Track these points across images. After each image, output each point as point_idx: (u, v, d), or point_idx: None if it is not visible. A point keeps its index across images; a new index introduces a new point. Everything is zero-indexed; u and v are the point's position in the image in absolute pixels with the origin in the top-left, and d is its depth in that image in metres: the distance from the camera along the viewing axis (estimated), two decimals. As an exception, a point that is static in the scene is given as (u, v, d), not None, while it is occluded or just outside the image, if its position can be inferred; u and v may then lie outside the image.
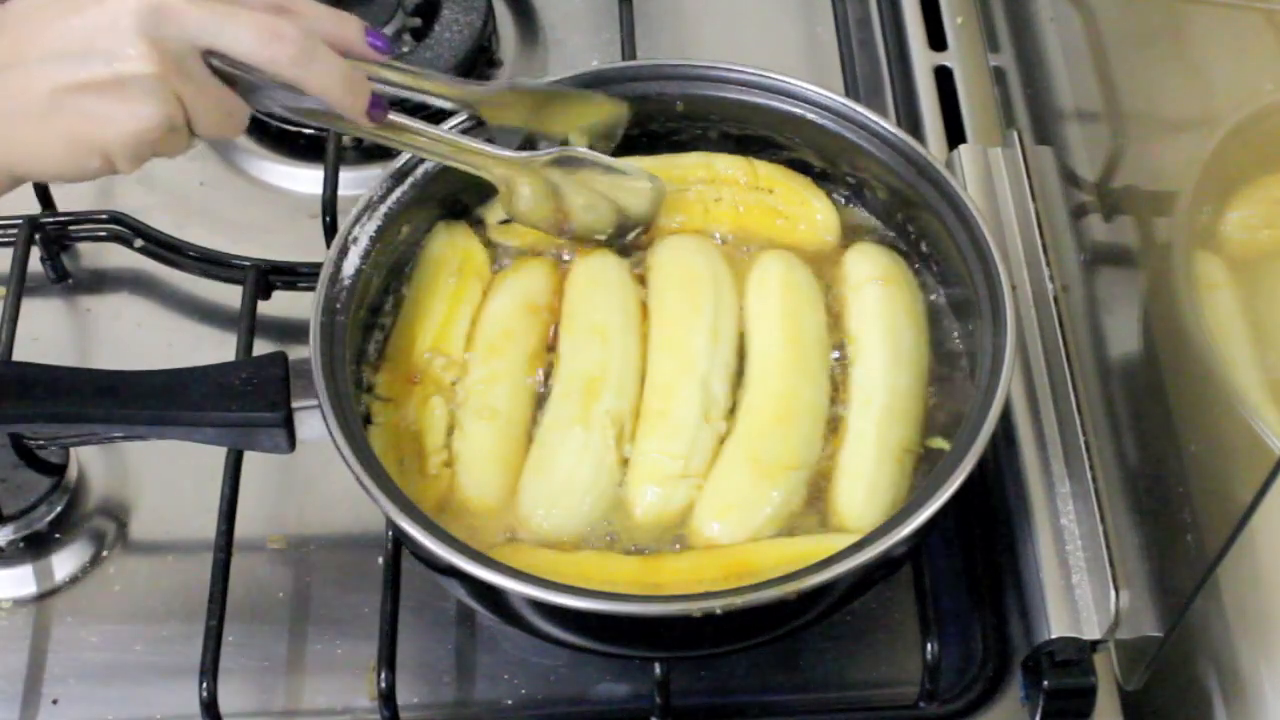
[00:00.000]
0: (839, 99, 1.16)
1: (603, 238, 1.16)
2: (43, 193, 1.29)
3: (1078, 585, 1.08)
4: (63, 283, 1.30)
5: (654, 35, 1.42)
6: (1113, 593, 1.06)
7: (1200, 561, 0.97)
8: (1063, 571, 1.08)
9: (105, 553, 1.17)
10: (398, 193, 1.13)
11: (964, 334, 1.12)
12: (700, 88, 1.18)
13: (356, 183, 1.26)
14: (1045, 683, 1.06)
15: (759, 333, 1.13)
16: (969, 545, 1.15)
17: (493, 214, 1.18)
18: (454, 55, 1.37)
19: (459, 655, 1.12)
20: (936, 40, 1.38)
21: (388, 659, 1.05)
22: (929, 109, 1.34)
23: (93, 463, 1.20)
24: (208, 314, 1.28)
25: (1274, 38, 0.99)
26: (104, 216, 1.28)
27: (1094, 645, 1.07)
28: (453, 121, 1.13)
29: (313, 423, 1.03)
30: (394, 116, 1.05)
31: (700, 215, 1.18)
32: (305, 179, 1.34)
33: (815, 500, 1.06)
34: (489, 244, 1.18)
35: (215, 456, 1.12)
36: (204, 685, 1.04)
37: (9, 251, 1.25)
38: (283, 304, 1.25)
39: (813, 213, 1.18)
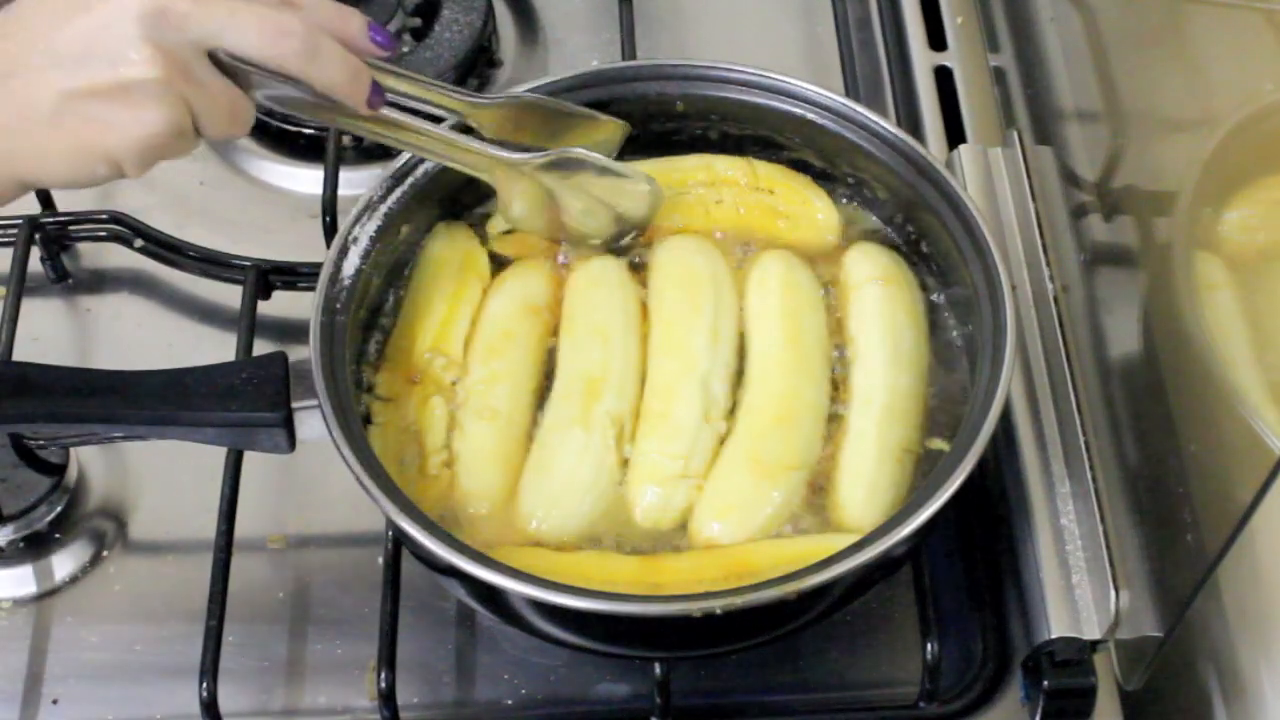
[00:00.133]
0: (839, 99, 1.16)
1: (597, 242, 1.16)
2: (43, 193, 1.29)
3: (1078, 585, 1.08)
4: (63, 283, 1.30)
5: (654, 35, 1.42)
6: (1113, 593, 1.06)
7: (1200, 561, 0.97)
8: (1063, 571, 1.08)
9: (105, 553, 1.17)
10: (398, 193, 1.14)
11: (964, 334, 1.12)
12: (700, 88, 1.18)
13: (356, 183, 1.26)
14: (1045, 683, 1.06)
15: (759, 333, 1.13)
16: (969, 545, 1.15)
17: (494, 224, 1.18)
18: (454, 55, 1.37)
19: (459, 655, 1.12)
20: (936, 40, 1.38)
21: (388, 659, 1.05)
22: (929, 109, 1.34)
23: (93, 463, 1.20)
24: (208, 314, 1.28)
25: (1274, 38, 0.99)
26: (104, 216, 1.28)
27: (1094, 645, 1.07)
28: (450, 122, 1.13)
29: (313, 423, 1.03)
30: (393, 114, 1.05)
31: (701, 217, 1.18)
32: (305, 179, 1.34)
33: (815, 500, 1.06)
34: (490, 249, 1.18)
35: (215, 456, 1.12)
36: (204, 685, 1.04)
37: (9, 251, 1.25)
38: (283, 304, 1.25)
39: (814, 213, 1.18)
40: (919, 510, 0.98)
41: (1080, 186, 1.22)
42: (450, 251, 1.16)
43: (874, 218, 1.19)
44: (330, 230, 1.24)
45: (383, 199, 1.13)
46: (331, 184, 1.26)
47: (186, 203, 1.32)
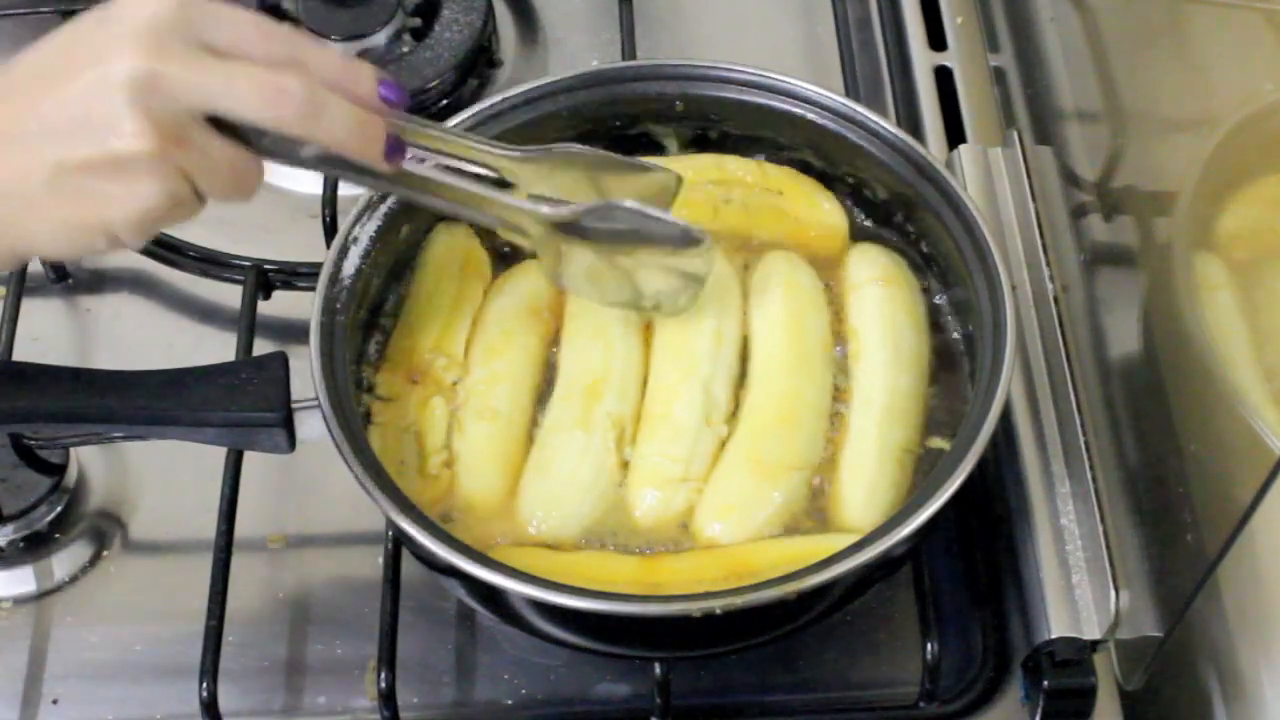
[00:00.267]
0: (839, 99, 1.16)
1: (649, 304, 1.10)
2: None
3: (1078, 585, 1.08)
4: (63, 283, 1.30)
5: (654, 35, 1.42)
6: (1113, 593, 1.06)
7: (1200, 561, 0.97)
8: (1063, 571, 1.08)
9: (105, 553, 1.17)
10: (398, 193, 1.13)
11: (964, 334, 1.12)
12: (700, 88, 1.18)
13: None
14: (1045, 683, 1.06)
15: (762, 333, 1.13)
16: (969, 545, 1.15)
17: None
18: (454, 55, 1.37)
19: (459, 655, 1.12)
20: (936, 40, 1.38)
21: (388, 659, 1.05)
22: (929, 109, 1.34)
23: (93, 463, 1.20)
24: (208, 314, 1.28)
25: (1274, 38, 0.99)
26: (104, 216, 1.28)
27: (1094, 645, 1.07)
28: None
29: (313, 423, 1.03)
30: (421, 169, 1.00)
31: (709, 216, 1.17)
32: (305, 179, 1.33)
33: (816, 500, 1.06)
34: (491, 246, 1.18)
35: (215, 456, 1.12)
36: (204, 685, 1.04)
37: (9, 251, 1.25)
38: (283, 304, 1.25)
39: (822, 215, 1.18)
40: (919, 510, 0.98)
41: (1080, 186, 1.22)
42: (451, 251, 1.16)
43: (874, 218, 1.18)
44: (330, 230, 1.24)
45: (383, 199, 1.13)
46: (331, 184, 1.26)
47: (186, 203, 1.32)
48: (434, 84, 1.35)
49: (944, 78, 1.36)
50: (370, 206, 1.12)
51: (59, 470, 1.17)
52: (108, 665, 1.13)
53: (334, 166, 0.98)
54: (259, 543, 1.16)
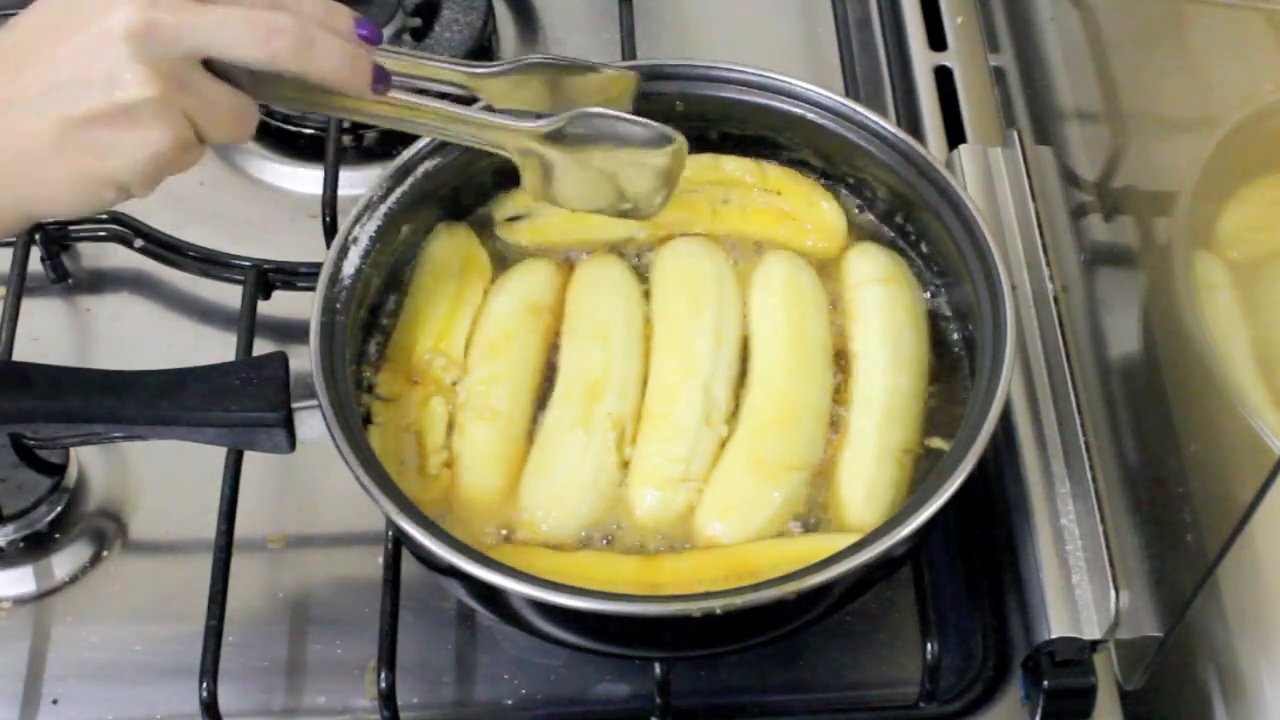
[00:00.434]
0: (839, 99, 1.16)
1: (629, 205, 1.11)
2: (43, 193, 1.29)
3: (1078, 585, 1.08)
4: (63, 283, 1.30)
5: (654, 35, 1.42)
6: (1113, 593, 1.06)
7: (1200, 561, 0.97)
8: (1063, 571, 1.08)
9: (105, 553, 1.17)
10: (398, 193, 1.13)
11: (964, 334, 1.12)
12: (700, 88, 1.18)
13: (356, 183, 1.26)
14: (1045, 683, 1.06)
15: (762, 333, 1.13)
16: (969, 545, 1.15)
17: (500, 210, 1.18)
18: (454, 55, 1.37)
19: (459, 655, 1.12)
20: (936, 40, 1.38)
21: (388, 659, 1.05)
22: (929, 109, 1.34)
23: (93, 463, 1.20)
24: (208, 314, 1.28)
25: (1274, 38, 0.99)
26: (104, 216, 1.28)
27: (1094, 645, 1.07)
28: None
29: (313, 423, 1.03)
30: (402, 95, 1.03)
31: (708, 216, 1.17)
32: (305, 179, 1.34)
33: (816, 500, 1.06)
34: (491, 246, 1.18)
35: (215, 456, 1.12)
36: (204, 685, 1.04)
37: (9, 251, 1.25)
38: (283, 304, 1.25)
39: (821, 215, 1.18)
40: (919, 510, 0.98)
41: (1080, 186, 1.22)
42: (451, 252, 1.16)
43: (874, 218, 1.18)
44: (330, 230, 1.24)
45: (383, 199, 1.13)
46: (331, 184, 1.26)
47: (186, 203, 1.32)
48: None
49: (944, 78, 1.36)
50: (370, 206, 1.12)
51: (59, 470, 1.17)
52: (108, 665, 1.13)
53: (318, 103, 1.00)
54: (259, 543, 1.16)
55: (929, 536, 1.08)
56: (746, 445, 1.07)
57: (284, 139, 1.35)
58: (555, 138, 1.06)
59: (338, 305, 1.08)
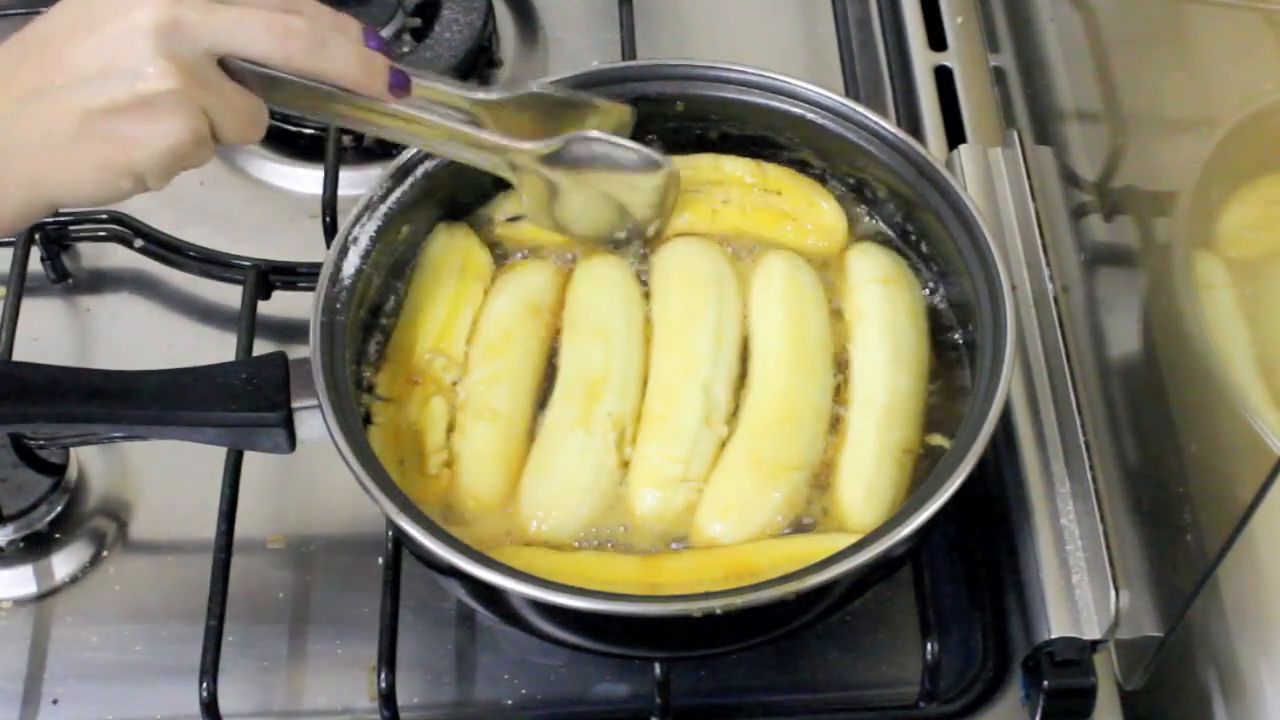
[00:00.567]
0: (839, 99, 1.16)
1: (622, 235, 1.15)
2: (43, 193, 1.29)
3: (1078, 585, 1.08)
4: (63, 283, 1.30)
5: (654, 35, 1.42)
6: (1113, 593, 1.06)
7: (1200, 561, 0.97)
8: (1063, 571, 1.08)
9: (105, 553, 1.17)
10: (398, 193, 1.13)
11: (964, 334, 1.12)
12: (700, 88, 1.18)
13: (356, 183, 1.26)
14: (1045, 683, 1.06)
15: (763, 332, 1.13)
16: (969, 545, 1.15)
17: (499, 211, 1.18)
18: (454, 55, 1.37)
19: (459, 655, 1.12)
20: (936, 40, 1.38)
21: (388, 659, 1.05)
22: (929, 109, 1.34)
23: (93, 463, 1.20)
24: (208, 314, 1.28)
25: (1274, 38, 0.99)
26: (104, 216, 1.28)
27: (1094, 645, 1.07)
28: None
29: (313, 423, 1.03)
30: (406, 108, 1.04)
31: (708, 216, 1.18)
32: (305, 179, 1.34)
33: (816, 500, 1.06)
34: (491, 245, 1.18)
35: (215, 456, 1.12)
36: (204, 685, 1.04)
37: (9, 251, 1.25)
38: (283, 304, 1.25)
39: (821, 215, 1.18)
40: (919, 510, 0.98)
41: (1080, 186, 1.22)
42: (451, 252, 1.16)
43: (874, 218, 1.18)
44: (330, 230, 1.24)
45: (383, 199, 1.13)
46: (331, 184, 1.26)
47: (186, 203, 1.32)
48: (434, 84, 1.35)
49: (944, 78, 1.36)
50: (370, 206, 1.12)
51: (59, 470, 1.17)
52: (108, 665, 1.13)
53: (329, 110, 1.01)
54: (259, 543, 1.16)
55: (929, 536, 1.08)
56: (747, 445, 1.07)
57: (284, 139, 1.35)
58: (554, 160, 1.09)
59: (338, 305, 1.08)
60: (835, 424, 1.09)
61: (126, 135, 0.93)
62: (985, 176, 1.26)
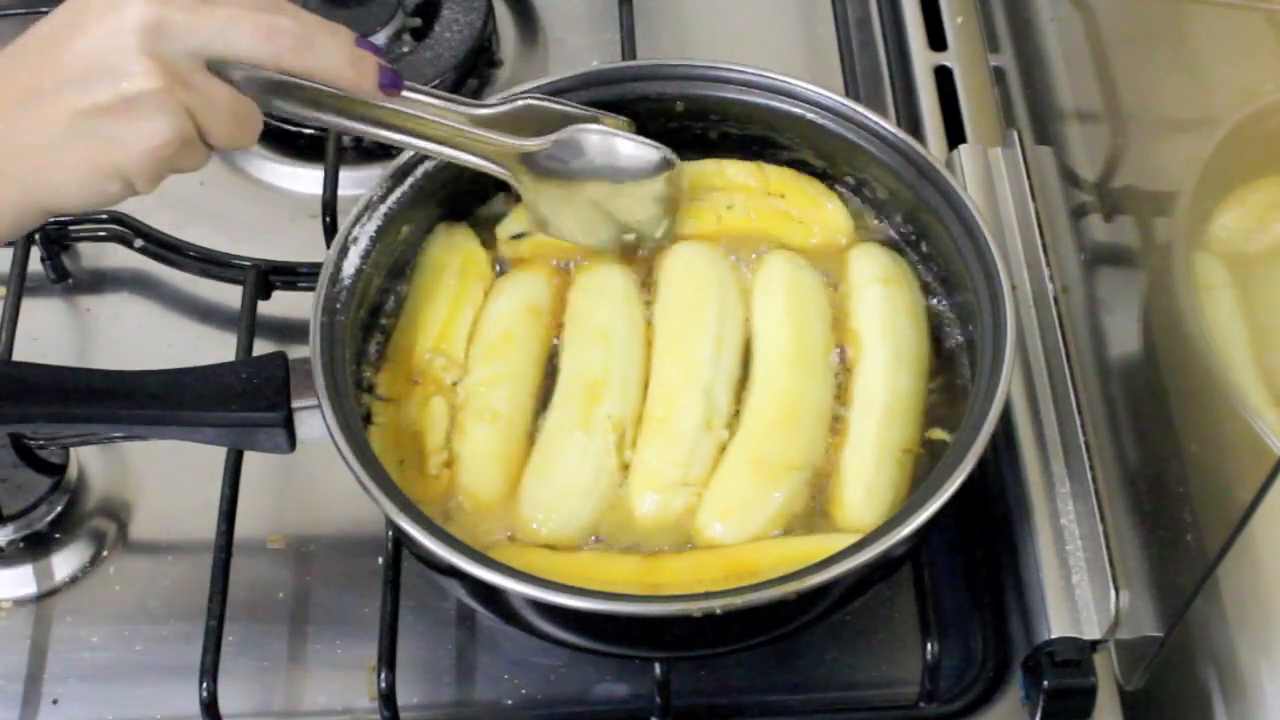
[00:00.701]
0: (839, 99, 1.16)
1: (630, 238, 1.15)
2: (43, 193, 1.29)
3: (1078, 585, 1.08)
4: (63, 283, 1.30)
5: (654, 35, 1.42)
6: (1113, 593, 1.06)
7: (1200, 561, 0.97)
8: (1063, 571, 1.08)
9: (105, 553, 1.17)
10: (398, 193, 1.13)
11: (964, 334, 1.12)
12: (700, 88, 1.18)
13: (356, 183, 1.26)
14: (1045, 683, 1.06)
15: (765, 332, 1.12)
16: (969, 545, 1.16)
17: (504, 228, 1.18)
18: (454, 55, 1.37)
19: (459, 655, 1.12)
20: (936, 40, 1.38)
21: (388, 659, 1.05)
22: (929, 109, 1.34)
23: (93, 463, 1.20)
24: (208, 314, 1.28)
25: (1274, 38, 0.99)
26: (104, 216, 1.28)
27: (1094, 645, 1.07)
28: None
29: (313, 423, 1.03)
30: (403, 108, 1.04)
31: (713, 222, 1.17)
32: (305, 179, 1.34)
33: (816, 500, 1.06)
34: (491, 247, 1.18)
35: (215, 456, 1.12)
36: (204, 685, 1.04)
37: (9, 251, 1.25)
38: (283, 304, 1.25)
39: (826, 216, 1.17)
40: (919, 510, 0.98)
41: (1080, 186, 1.22)
42: (451, 252, 1.16)
43: (874, 218, 1.18)
44: (330, 230, 1.24)
45: (383, 199, 1.13)
46: (331, 184, 1.26)
47: (186, 203, 1.32)
48: (434, 84, 1.35)
49: (944, 78, 1.36)
50: (370, 206, 1.12)
51: (59, 470, 1.17)
52: (108, 665, 1.13)
53: (323, 114, 1.01)
54: (259, 543, 1.16)
55: (929, 536, 1.08)
56: (748, 445, 1.07)
57: (284, 139, 1.35)
58: (543, 165, 1.09)
59: (338, 305, 1.08)
60: (836, 424, 1.09)
61: (110, 135, 0.92)
62: (985, 176, 1.26)
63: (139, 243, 1.28)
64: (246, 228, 1.31)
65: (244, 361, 1.13)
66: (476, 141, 1.08)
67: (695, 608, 0.96)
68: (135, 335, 1.27)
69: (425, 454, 1.08)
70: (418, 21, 1.40)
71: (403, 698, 1.06)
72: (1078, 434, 1.12)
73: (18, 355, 1.19)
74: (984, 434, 1.00)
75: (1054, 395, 1.15)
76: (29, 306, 1.23)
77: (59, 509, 1.17)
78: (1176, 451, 1.03)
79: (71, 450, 1.18)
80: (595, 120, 1.12)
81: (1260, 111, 0.99)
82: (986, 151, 1.28)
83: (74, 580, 1.16)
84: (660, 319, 1.13)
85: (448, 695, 1.11)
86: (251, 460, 1.12)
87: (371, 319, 1.13)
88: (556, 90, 1.16)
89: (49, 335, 1.27)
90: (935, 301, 1.15)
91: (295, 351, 1.06)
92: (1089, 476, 1.11)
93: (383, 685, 1.05)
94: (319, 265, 1.10)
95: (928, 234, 1.15)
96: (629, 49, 1.35)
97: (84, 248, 1.31)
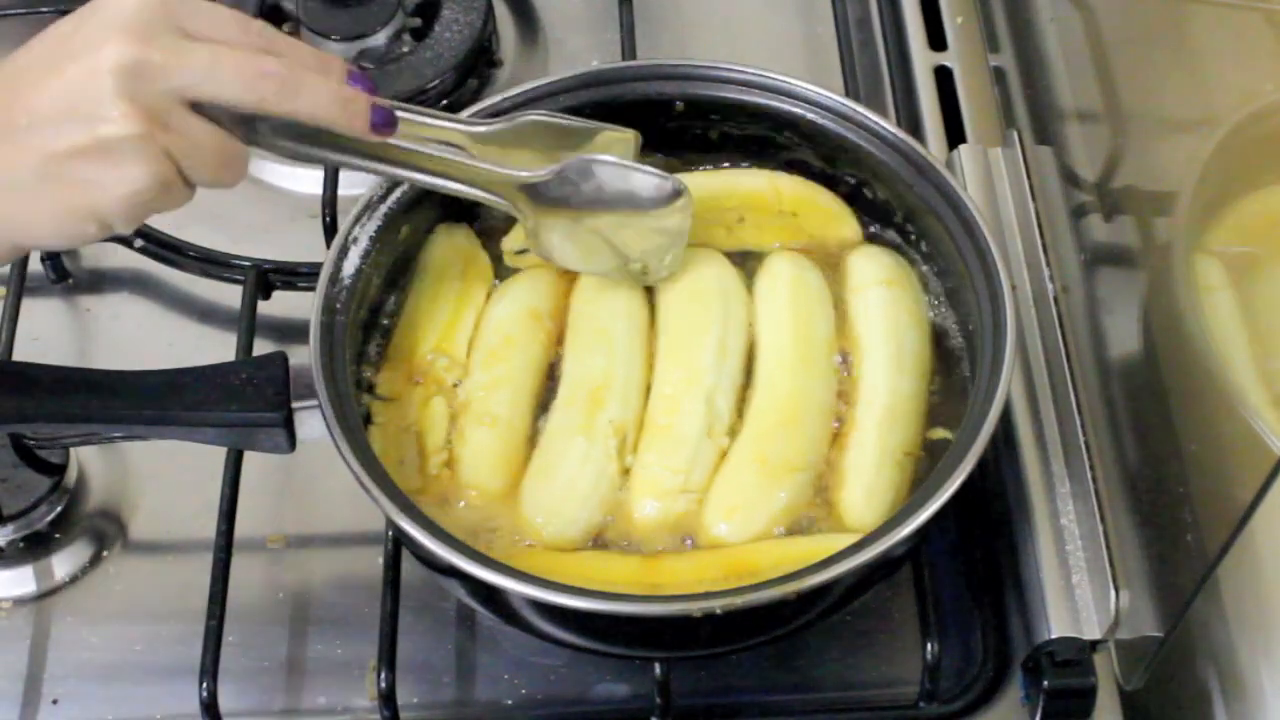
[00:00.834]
0: (839, 99, 1.16)
1: (636, 268, 1.13)
2: (43, 193, 1.29)
3: (1078, 585, 1.08)
4: (63, 283, 1.30)
5: (654, 35, 1.42)
6: (1113, 593, 1.06)
7: (1200, 561, 0.97)
8: (1063, 571, 1.08)
9: (105, 553, 1.17)
10: (398, 193, 1.13)
11: (964, 334, 1.12)
12: (700, 88, 1.18)
13: (356, 183, 1.25)
14: (1045, 683, 1.06)
15: (768, 333, 1.12)
16: (969, 545, 1.16)
17: (509, 242, 1.17)
18: (454, 55, 1.37)
19: (459, 655, 1.12)
20: (936, 40, 1.38)
21: (388, 659, 1.05)
22: (929, 109, 1.34)
23: (93, 463, 1.20)
24: (208, 314, 1.28)
25: (1274, 38, 0.99)
26: (104, 216, 1.28)
27: (1094, 645, 1.07)
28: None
29: (313, 423, 1.03)
30: (399, 142, 1.02)
31: (723, 236, 1.17)
32: (305, 179, 1.34)
33: (818, 501, 1.06)
34: (492, 248, 1.18)
35: (215, 456, 1.12)
36: (204, 685, 1.04)
37: (9, 251, 1.25)
38: (283, 304, 1.25)
39: (838, 230, 1.17)
40: (919, 510, 0.98)
41: (1080, 186, 1.22)
42: (451, 252, 1.16)
43: (873, 218, 1.18)
44: (330, 230, 1.24)
45: (383, 199, 1.13)
46: (331, 184, 1.26)
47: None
48: (434, 84, 1.35)
49: (944, 78, 1.36)
50: (370, 206, 1.12)
51: (59, 470, 1.17)
52: (108, 665, 1.13)
53: (315, 153, 1.00)
54: (259, 543, 1.16)
55: (929, 536, 1.08)
56: (752, 446, 1.07)
57: (284, 139, 1.35)
58: (546, 196, 1.07)
59: (338, 305, 1.08)
60: (838, 425, 1.09)
61: (88, 180, 0.90)
62: (985, 176, 1.26)
63: (139, 243, 1.28)
64: (246, 228, 1.31)
65: (244, 361, 1.13)
66: (476, 173, 1.06)
67: (695, 608, 0.96)
68: (135, 335, 1.27)
69: (425, 454, 1.08)
70: (418, 21, 1.40)
71: (403, 698, 1.06)
72: (1078, 434, 1.12)
73: (18, 355, 1.19)
74: (984, 434, 1.00)
75: (1054, 395, 1.15)
76: (29, 306, 1.23)
77: (59, 509, 1.17)
78: (1176, 451, 1.03)
79: (71, 450, 1.18)
80: (600, 133, 1.11)
81: (1260, 111, 0.99)
82: (986, 151, 1.28)
83: (74, 580, 1.16)
84: (663, 324, 1.13)
85: (448, 695, 1.11)
86: (251, 460, 1.12)
87: (372, 319, 1.13)
88: (556, 90, 1.16)
89: (49, 335, 1.27)
90: (935, 301, 1.15)
91: (295, 351, 1.06)
92: (1089, 476, 1.11)
93: (383, 685, 1.05)
94: (319, 265, 1.10)
95: (927, 234, 1.15)
96: (629, 49, 1.35)
97: (84, 248, 1.31)
